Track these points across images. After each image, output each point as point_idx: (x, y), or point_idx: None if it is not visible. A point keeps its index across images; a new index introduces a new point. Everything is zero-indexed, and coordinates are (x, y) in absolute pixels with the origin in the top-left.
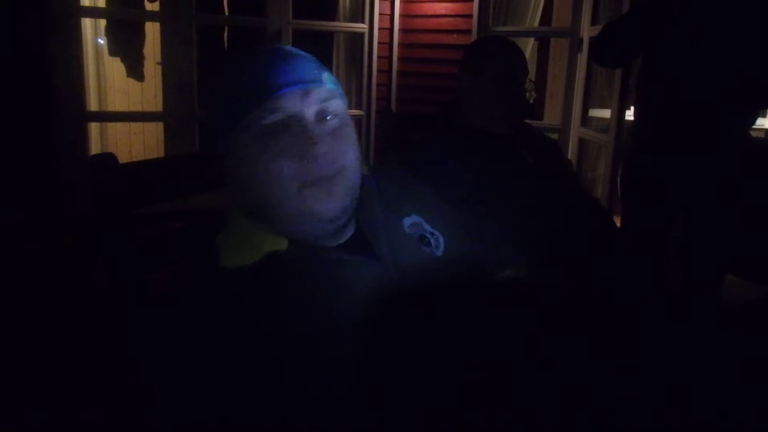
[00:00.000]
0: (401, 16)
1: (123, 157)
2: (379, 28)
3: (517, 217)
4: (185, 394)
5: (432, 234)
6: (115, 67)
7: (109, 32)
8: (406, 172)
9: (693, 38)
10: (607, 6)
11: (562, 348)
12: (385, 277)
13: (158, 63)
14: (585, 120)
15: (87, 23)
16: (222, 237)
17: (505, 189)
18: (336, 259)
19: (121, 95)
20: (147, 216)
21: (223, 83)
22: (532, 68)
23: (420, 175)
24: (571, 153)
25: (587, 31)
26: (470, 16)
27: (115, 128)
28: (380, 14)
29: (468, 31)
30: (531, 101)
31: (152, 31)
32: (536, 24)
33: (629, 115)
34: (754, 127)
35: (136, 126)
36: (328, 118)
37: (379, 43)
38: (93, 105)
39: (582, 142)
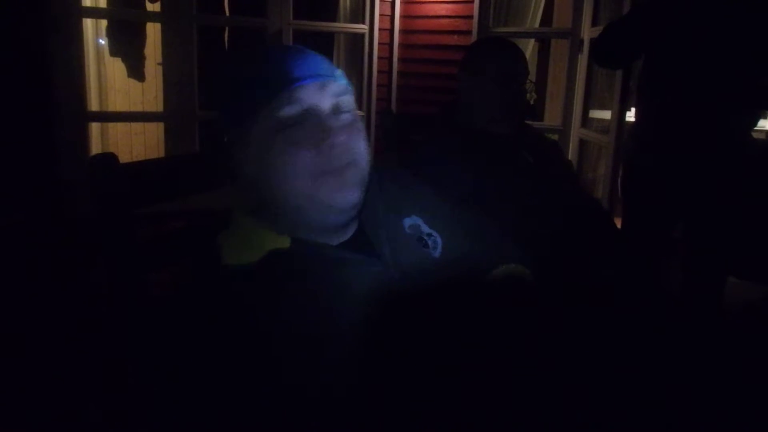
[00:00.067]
0: (402, 16)
1: (123, 158)
2: (380, 29)
3: (517, 218)
4: (185, 393)
5: (430, 235)
6: (116, 68)
7: (110, 32)
8: (406, 172)
9: (694, 39)
10: (607, 7)
11: (562, 348)
12: (386, 277)
13: (159, 63)
14: (585, 121)
15: (88, 23)
16: (223, 236)
17: (506, 189)
18: (338, 258)
19: (122, 95)
20: (147, 216)
21: (238, 76)
22: (532, 69)
23: (420, 176)
24: (572, 154)
25: (588, 32)
26: (470, 17)
27: (116, 128)
28: (381, 15)
29: (468, 32)
30: (531, 102)
31: (153, 31)
32: (537, 25)
33: (630, 116)
34: (755, 128)
35: (137, 126)
36: (342, 112)
37: (379, 43)
38: (94, 105)
39: (582, 143)
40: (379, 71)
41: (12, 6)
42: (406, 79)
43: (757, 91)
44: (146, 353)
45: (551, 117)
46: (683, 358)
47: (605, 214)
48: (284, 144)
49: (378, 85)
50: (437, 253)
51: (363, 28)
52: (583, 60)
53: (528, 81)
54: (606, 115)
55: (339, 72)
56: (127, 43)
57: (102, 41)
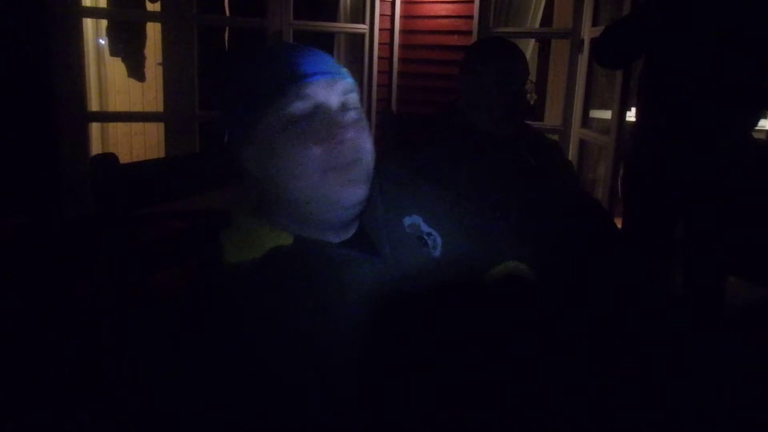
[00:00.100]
0: (402, 17)
1: (124, 158)
2: (380, 29)
3: (518, 218)
4: (186, 392)
5: (429, 234)
6: (116, 68)
7: (110, 33)
8: (406, 171)
9: (694, 39)
10: (608, 7)
11: (562, 348)
12: (387, 276)
13: (159, 63)
14: (586, 121)
15: (88, 24)
16: (225, 234)
17: (506, 190)
18: (340, 256)
19: (122, 95)
20: (147, 216)
21: (246, 73)
22: (532, 69)
23: (420, 176)
24: (572, 154)
25: (588, 32)
26: (471, 17)
27: (116, 128)
28: (381, 15)
29: (469, 33)
30: (532, 102)
31: (153, 31)
32: (537, 25)
33: (630, 116)
34: (755, 128)
35: (137, 126)
36: (349, 109)
37: (379, 43)
38: (94, 105)
39: (582, 143)
40: (379, 71)
41: (12, 6)
42: (407, 80)
43: (757, 91)
44: (147, 353)
45: (551, 117)
46: (683, 358)
47: (606, 214)
48: (294, 139)
49: (378, 86)
50: (437, 252)
51: (363, 28)
52: (583, 60)
53: (528, 81)
54: (606, 115)
55: (345, 70)
56: (127, 43)
57: (102, 41)
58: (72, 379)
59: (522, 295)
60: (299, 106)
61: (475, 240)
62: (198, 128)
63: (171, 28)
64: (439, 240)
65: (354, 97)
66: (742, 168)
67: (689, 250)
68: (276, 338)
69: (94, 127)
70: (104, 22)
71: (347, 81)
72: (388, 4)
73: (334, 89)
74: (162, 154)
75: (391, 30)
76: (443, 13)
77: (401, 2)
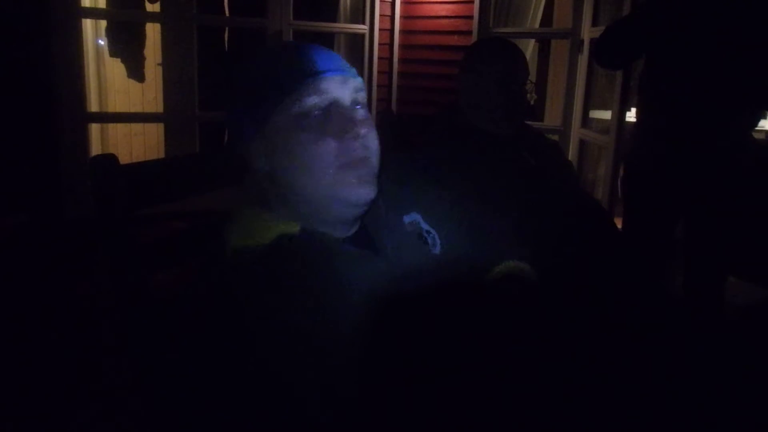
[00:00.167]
0: (402, 17)
1: (123, 158)
2: (380, 29)
3: (518, 218)
4: (186, 392)
5: (428, 232)
6: (116, 68)
7: (110, 33)
8: (406, 169)
9: (695, 39)
10: (608, 7)
11: (562, 348)
12: (389, 275)
13: (159, 64)
14: (586, 121)
15: (88, 24)
16: (229, 225)
17: (506, 190)
18: (344, 251)
19: (122, 96)
20: (148, 217)
21: (259, 68)
22: (532, 69)
23: (420, 176)
24: (572, 154)
25: (588, 32)
26: (471, 17)
27: (116, 129)
28: (381, 15)
29: (468, 33)
30: (532, 102)
31: (153, 32)
32: (537, 25)
33: (630, 116)
34: (756, 128)
35: (137, 127)
36: (360, 107)
37: (379, 44)
38: (93, 106)
39: (582, 144)
40: (379, 71)
41: (12, 7)
42: (407, 80)
43: (758, 91)
44: (147, 353)
45: (551, 117)
46: (684, 358)
47: (606, 215)
48: (309, 132)
49: (378, 86)
50: (437, 250)
51: (363, 28)
52: (583, 60)
53: (528, 81)
54: (606, 115)
55: (354, 69)
56: (126, 43)
57: (102, 42)
58: (72, 379)
59: (522, 296)
60: (314, 101)
61: (475, 240)
62: (198, 128)
63: (171, 28)
64: (438, 238)
65: (363, 96)
66: (742, 168)
67: (689, 250)
68: (276, 338)
69: (94, 128)
70: (104, 23)
71: (358, 79)
72: (388, 5)
73: (347, 86)
74: (162, 155)
75: (391, 30)
76: (443, 13)
77: (401, 2)
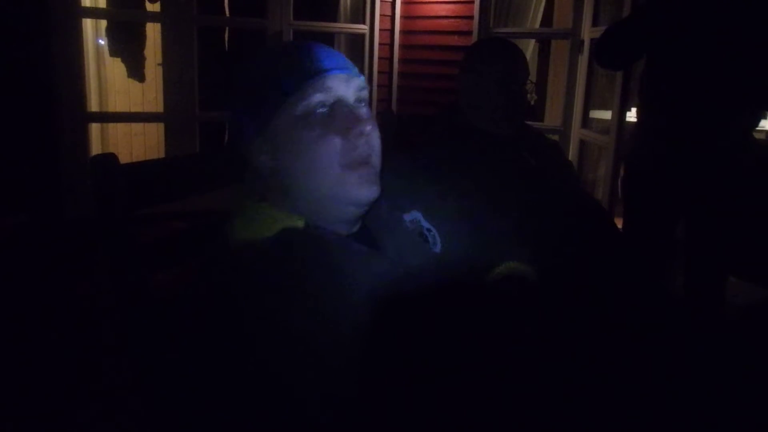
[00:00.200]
0: (402, 17)
1: (123, 158)
2: (380, 30)
3: (518, 219)
4: (186, 392)
5: (429, 231)
6: (116, 68)
7: (110, 33)
8: (406, 168)
9: (695, 40)
10: (608, 7)
11: (562, 348)
12: (390, 274)
13: (159, 64)
14: (586, 121)
15: (88, 24)
16: (233, 217)
17: (506, 190)
18: (348, 248)
19: (122, 96)
20: (148, 217)
21: (263, 66)
22: (532, 69)
23: (420, 176)
24: (572, 154)
25: (588, 32)
26: (471, 17)
27: (116, 129)
28: (381, 15)
29: (469, 33)
30: (532, 103)
31: (153, 31)
32: (537, 25)
33: (630, 116)
34: (756, 128)
35: (137, 127)
36: (364, 105)
37: (379, 44)
38: (94, 106)
39: (583, 144)
40: (379, 72)
41: (12, 7)
42: (407, 80)
43: (758, 91)
44: (147, 353)
45: (551, 118)
46: (684, 358)
47: (606, 215)
48: (315, 129)
49: (378, 86)
50: (437, 249)
51: (363, 28)
52: (583, 60)
53: (528, 82)
54: (606, 115)
55: (356, 68)
56: (127, 43)
57: (102, 41)
58: (72, 379)
59: (522, 296)
60: (320, 98)
61: (475, 240)
62: (198, 128)
63: (171, 28)
64: (438, 237)
65: (366, 95)
66: (743, 168)
67: (690, 250)
68: (276, 338)
69: (94, 128)
70: (104, 23)
71: (360, 78)
72: (389, 5)
73: (351, 84)
74: (162, 155)
75: (392, 30)
76: (443, 13)
77: (401, 2)
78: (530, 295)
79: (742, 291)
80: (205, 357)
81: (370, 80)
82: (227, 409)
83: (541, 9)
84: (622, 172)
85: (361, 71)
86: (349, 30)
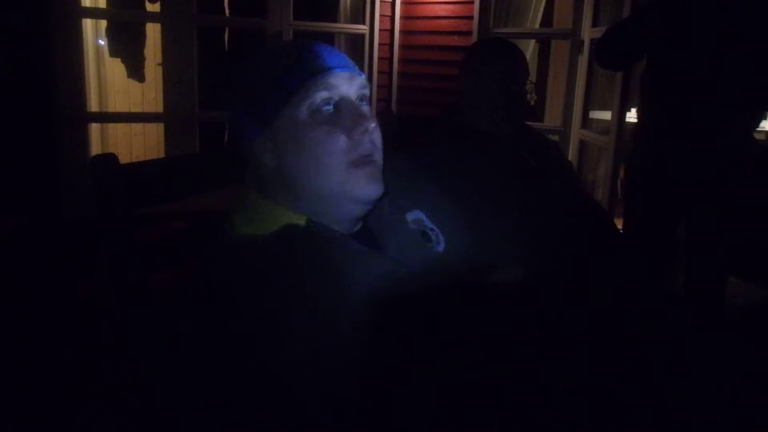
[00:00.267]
0: (402, 17)
1: (123, 158)
2: (380, 30)
3: (518, 219)
4: (186, 392)
5: (432, 230)
6: (116, 68)
7: (110, 33)
8: (407, 168)
9: (696, 40)
10: (608, 8)
11: (562, 348)
12: (392, 274)
13: (159, 64)
14: (586, 122)
15: (88, 24)
16: (235, 210)
17: (506, 190)
18: (350, 248)
19: (122, 96)
20: (148, 216)
21: (266, 65)
22: (532, 70)
23: (421, 176)
24: (572, 155)
25: (588, 32)
26: (471, 17)
27: (116, 129)
28: (381, 15)
29: (469, 33)
30: (532, 103)
31: (153, 32)
32: (537, 26)
33: (630, 117)
34: (757, 129)
35: (137, 127)
36: (366, 103)
37: (379, 44)
38: (93, 106)
39: (582, 144)
40: (379, 72)
41: (12, 7)
42: (407, 80)
43: (759, 92)
44: (147, 353)
45: (551, 118)
46: (683, 358)
47: (606, 215)
48: (319, 126)
49: (378, 86)
50: (440, 248)
51: (363, 28)
52: (583, 61)
53: (528, 82)
54: (606, 115)
55: (358, 68)
56: (126, 43)
57: (102, 42)
58: (72, 379)
59: (522, 296)
60: (324, 96)
61: (475, 241)
62: (198, 128)
63: (171, 28)
64: (441, 236)
65: (368, 93)
66: (743, 169)
67: (690, 251)
68: (276, 338)
69: (94, 128)
70: (104, 23)
71: (362, 76)
72: (388, 5)
73: (353, 83)
74: (162, 155)
75: (391, 30)
76: (443, 13)
77: (401, 3)
78: (530, 295)
79: (742, 291)
80: (205, 357)
81: (369, 80)
82: (227, 409)
83: (541, 9)
84: (622, 172)
85: (361, 71)
86: (349, 30)
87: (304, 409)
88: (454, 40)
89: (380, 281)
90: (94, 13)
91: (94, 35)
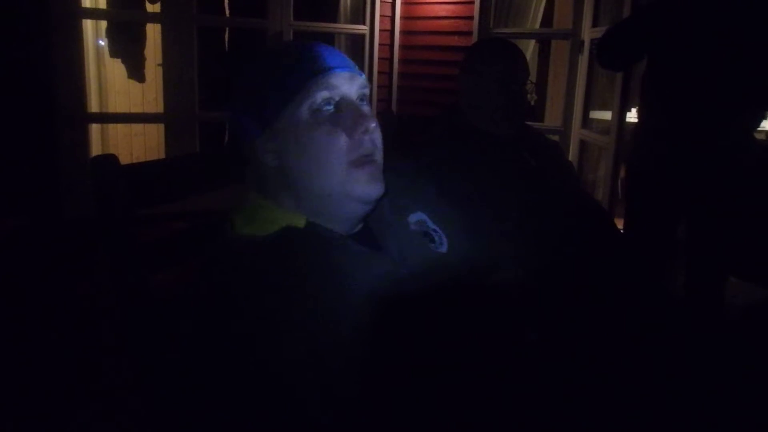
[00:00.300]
0: (402, 17)
1: (124, 159)
2: (380, 30)
3: (518, 219)
4: (186, 392)
5: (435, 231)
6: (116, 69)
7: (110, 34)
8: (409, 169)
9: (696, 40)
10: (608, 8)
11: (562, 348)
12: (393, 274)
13: (159, 64)
14: (586, 122)
15: (88, 25)
16: (235, 210)
17: (507, 191)
18: (350, 249)
19: (122, 97)
20: (148, 217)
21: (267, 65)
22: (533, 70)
23: (422, 176)
24: (572, 155)
25: (588, 33)
26: (471, 17)
27: (116, 130)
28: (381, 16)
29: (469, 33)
30: (532, 103)
31: (153, 32)
32: (537, 26)
33: (630, 117)
34: (757, 129)
35: (137, 127)
36: (366, 103)
37: (379, 44)
38: (94, 106)
39: (583, 144)
40: (379, 72)
41: (13, 7)
42: (407, 80)
43: (759, 92)
44: (147, 353)
45: (552, 118)
46: (683, 358)
47: (606, 215)
48: (321, 126)
49: (378, 86)
50: (443, 249)
51: (363, 28)
52: (583, 61)
53: (528, 82)
54: (606, 115)
55: (358, 67)
56: (127, 44)
57: (102, 42)
58: (72, 379)
59: (522, 296)
60: (325, 95)
61: (475, 241)
62: (198, 128)
63: (171, 28)
64: (444, 237)
65: (368, 93)
66: (744, 169)
67: (690, 251)
68: (276, 338)
69: (94, 128)
70: (104, 23)
71: (362, 76)
72: (389, 5)
73: (354, 83)
74: (162, 155)
75: (392, 31)
76: (443, 13)
77: (401, 3)
78: (530, 295)
79: (742, 291)
80: (206, 357)
81: (370, 80)
82: (227, 410)
83: (541, 9)
84: (622, 172)
85: (361, 71)
86: (349, 30)
87: (305, 409)
88: (455, 41)
89: (380, 281)
90: (95, 13)
91: (95, 36)
